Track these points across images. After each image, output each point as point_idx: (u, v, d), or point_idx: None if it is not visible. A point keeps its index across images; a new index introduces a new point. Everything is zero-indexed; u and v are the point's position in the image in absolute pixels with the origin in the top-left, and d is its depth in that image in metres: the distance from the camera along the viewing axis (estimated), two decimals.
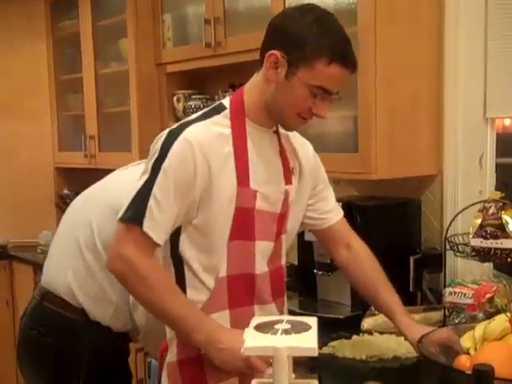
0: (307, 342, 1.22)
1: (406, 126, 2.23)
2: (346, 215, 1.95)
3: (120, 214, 1.51)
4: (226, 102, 1.62)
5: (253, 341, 1.25)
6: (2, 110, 4.03)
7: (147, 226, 1.48)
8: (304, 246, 2.35)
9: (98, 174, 3.69)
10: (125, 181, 1.83)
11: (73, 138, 3.83)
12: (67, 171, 4.00)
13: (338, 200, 1.92)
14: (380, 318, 2.05)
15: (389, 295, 1.78)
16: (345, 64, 1.54)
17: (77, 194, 3.82)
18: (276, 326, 1.28)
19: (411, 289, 2.25)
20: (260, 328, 1.30)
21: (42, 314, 2.12)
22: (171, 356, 1.61)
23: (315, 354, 1.21)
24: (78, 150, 3.72)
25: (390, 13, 2.16)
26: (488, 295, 1.86)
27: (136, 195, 1.51)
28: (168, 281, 1.57)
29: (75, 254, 2.07)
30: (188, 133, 1.51)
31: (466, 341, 1.58)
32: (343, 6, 2.27)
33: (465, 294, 1.93)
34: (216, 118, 1.57)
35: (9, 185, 4.07)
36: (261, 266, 1.63)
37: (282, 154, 1.69)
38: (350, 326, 2.08)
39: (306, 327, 1.29)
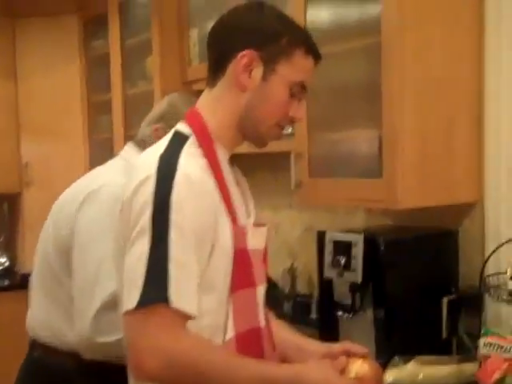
0: None
1: (439, 147, 1.95)
2: (369, 248, 1.71)
3: (131, 303, 1.15)
4: (184, 128, 1.35)
5: None
6: (37, 132, 3.95)
7: (177, 300, 1.15)
8: (324, 284, 2.10)
9: None
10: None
11: (102, 160, 3.68)
12: None
13: (360, 230, 1.67)
14: (406, 370, 1.79)
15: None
16: (317, 55, 1.37)
17: None
18: None
19: (444, 335, 1.96)
20: None
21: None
22: None
23: None
24: None
25: (418, 18, 1.90)
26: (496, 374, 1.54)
27: (147, 269, 1.16)
28: (221, 352, 1.27)
29: (51, 282, 1.85)
30: (183, 168, 1.22)
31: None
32: (366, 13, 2.03)
33: (502, 347, 1.63)
34: (187, 147, 1.29)
35: (42, 209, 3.96)
36: (262, 317, 1.39)
37: (237, 181, 1.45)
38: None
39: None
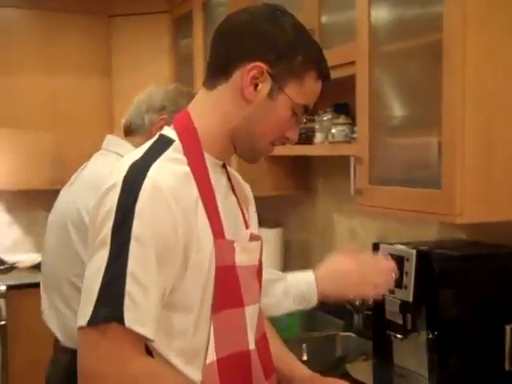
0: None
1: (506, 153, 1.74)
2: (423, 264, 1.62)
3: (84, 319, 1.06)
4: (169, 132, 1.25)
5: None
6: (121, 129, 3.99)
7: (131, 318, 1.05)
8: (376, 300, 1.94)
9: None
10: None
11: None
12: None
13: (416, 245, 1.63)
14: None
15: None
16: (327, 79, 1.25)
17: None
18: None
19: (507, 367, 1.74)
20: None
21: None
22: None
23: None
24: None
25: (485, 13, 1.70)
26: None
27: (102, 284, 1.06)
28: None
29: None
30: (153, 177, 1.11)
31: None
32: (427, 9, 1.84)
33: None
34: (168, 153, 1.19)
35: None
36: (252, 339, 1.27)
37: (235, 192, 1.34)
38: None
39: None
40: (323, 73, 1.24)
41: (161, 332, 1.14)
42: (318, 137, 2.63)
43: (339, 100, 2.54)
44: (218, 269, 1.18)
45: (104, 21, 4.03)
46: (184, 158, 1.19)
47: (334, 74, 2.33)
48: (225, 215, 1.23)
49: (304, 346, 2.46)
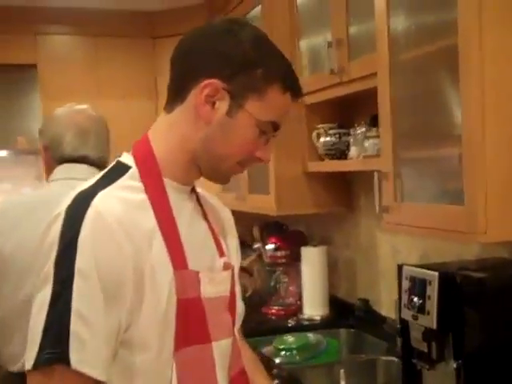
0: None
1: None
2: (447, 289, 1.55)
3: (29, 363, 1.01)
4: (127, 158, 1.19)
5: None
6: None
7: (78, 360, 1.00)
8: (402, 326, 1.81)
9: (244, 215, 3.47)
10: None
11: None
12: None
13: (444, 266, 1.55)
14: None
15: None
16: (296, 93, 1.16)
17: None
18: None
19: None
20: None
21: None
22: None
23: None
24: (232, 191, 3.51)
25: (500, 15, 1.55)
26: None
27: (46, 324, 1.01)
28: None
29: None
30: (97, 206, 1.05)
31: None
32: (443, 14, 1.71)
33: None
34: (121, 180, 1.13)
35: None
36: (223, 377, 1.19)
37: (206, 218, 1.26)
38: None
39: None
40: (289, 86, 1.15)
41: (119, 372, 1.08)
42: (353, 151, 2.52)
43: (376, 112, 2.43)
44: (179, 301, 1.11)
45: (148, 43, 4.05)
46: (140, 185, 1.13)
47: (363, 85, 2.27)
48: (190, 244, 1.16)
49: (342, 371, 2.34)
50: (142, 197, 1.12)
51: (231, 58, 1.12)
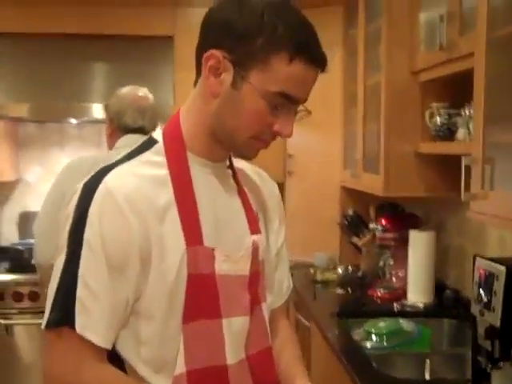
0: None
1: None
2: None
3: (43, 323, 1.10)
4: (157, 133, 1.20)
5: None
6: (302, 124, 3.95)
7: (82, 325, 1.06)
8: (472, 321, 1.69)
9: (358, 196, 3.40)
10: None
11: (352, 153, 3.55)
12: (351, 191, 3.70)
13: None
14: None
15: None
16: (310, 59, 1.09)
17: (358, 215, 3.62)
18: None
19: None
20: None
21: None
22: None
23: None
24: (350, 168, 3.45)
25: None
26: None
27: (57, 288, 1.09)
28: None
29: None
30: (108, 182, 1.10)
31: None
32: None
33: None
34: (144, 155, 1.15)
35: (300, 198, 4.01)
36: (234, 353, 1.18)
37: (242, 194, 1.24)
38: None
39: None
40: (299, 55, 1.09)
41: (128, 339, 1.13)
42: (460, 133, 2.38)
43: None
44: (190, 276, 1.12)
45: None
46: (163, 160, 1.15)
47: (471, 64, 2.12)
48: (212, 219, 1.16)
49: (427, 362, 2.25)
50: (163, 172, 1.14)
51: (233, 27, 1.09)
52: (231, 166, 1.27)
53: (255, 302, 1.23)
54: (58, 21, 3.92)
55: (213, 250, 1.14)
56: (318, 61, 1.12)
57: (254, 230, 1.25)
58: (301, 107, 1.16)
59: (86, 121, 4.16)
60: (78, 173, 2.06)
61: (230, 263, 1.17)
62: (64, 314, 1.07)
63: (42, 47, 3.99)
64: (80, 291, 1.06)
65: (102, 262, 1.07)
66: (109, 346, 1.10)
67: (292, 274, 1.47)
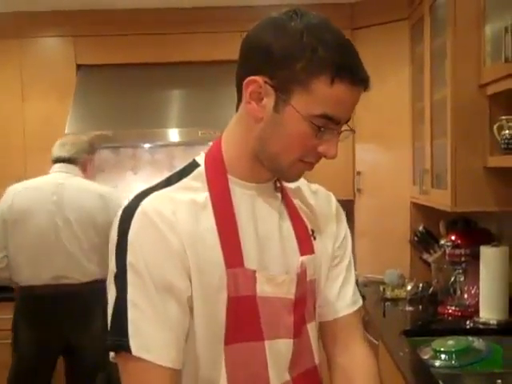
0: None
1: None
2: None
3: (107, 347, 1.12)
4: (200, 157, 1.22)
5: None
6: (370, 141, 3.96)
7: (137, 346, 1.06)
8: None
9: (428, 212, 3.34)
10: None
11: (420, 171, 3.50)
12: (422, 206, 3.65)
13: None
14: None
15: None
16: (352, 80, 1.08)
17: (429, 231, 3.56)
18: None
19: None
20: None
21: None
22: None
23: None
24: (419, 184, 3.40)
25: None
26: None
27: (113, 309, 1.10)
28: None
29: None
30: (145, 205, 1.11)
31: None
32: None
33: None
34: (184, 181, 1.17)
35: (370, 216, 3.98)
36: (278, 375, 1.18)
37: (293, 214, 1.23)
38: None
39: None
40: (340, 76, 1.07)
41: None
42: None
43: None
44: (230, 299, 1.13)
45: (349, 35, 4.03)
46: (203, 185, 1.17)
47: None
48: (255, 242, 1.17)
49: (499, 382, 2.19)
50: (203, 196, 1.15)
51: (272, 52, 1.09)
52: (281, 185, 1.27)
53: (300, 323, 1.23)
54: (134, 51, 4.08)
55: (254, 271, 1.14)
56: (359, 81, 1.11)
57: (305, 250, 1.24)
58: (345, 126, 1.16)
59: (159, 145, 4.29)
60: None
61: (272, 286, 1.16)
62: (119, 337, 1.08)
63: (119, 76, 4.15)
64: (131, 313, 1.07)
65: (149, 283, 1.08)
66: (172, 365, 1.10)
67: (360, 292, 1.43)
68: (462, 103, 2.76)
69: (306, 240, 1.26)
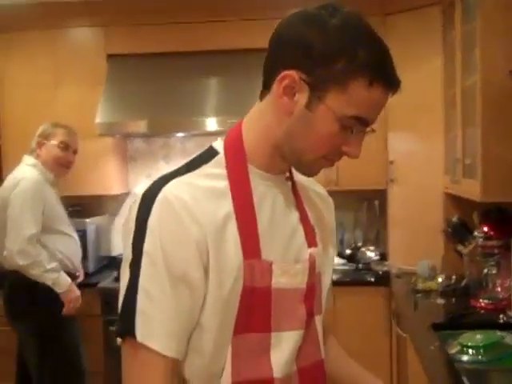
0: None
1: None
2: None
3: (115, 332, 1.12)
4: (218, 144, 1.19)
5: None
6: (403, 129, 3.88)
7: (143, 334, 1.06)
8: None
9: (462, 202, 3.25)
10: None
11: (452, 160, 3.41)
12: (456, 196, 3.56)
13: None
14: None
15: None
16: (388, 84, 1.07)
17: (463, 222, 3.48)
18: None
19: None
20: None
21: None
22: None
23: None
24: (451, 174, 3.31)
25: None
26: None
27: (124, 295, 1.09)
28: None
29: None
30: (166, 191, 1.08)
31: None
32: None
33: None
34: (204, 168, 1.14)
35: (402, 206, 3.91)
36: (282, 366, 1.16)
37: (300, 206, 1.22)
38: None
39: None
40: (378, 78, 1.05)
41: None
42: None
43: None
44: (245, 289, 1.10)
45: (379, 21, 3.94)
46: (223, 172, 1.15)
47: None
48: (271, 233, 1.15)
49: None
50: (223, 184, 1.13)
51: (312, 48, 1.06)
52: (291, 178, 1.26)
53: (310, 314, 1.21)
54: (162, 40, 4.07)
55: (270, 263, 1.13)
56: (394, 85, 1.09)
57: (311, 242, 1.23)
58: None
59: (191, 134, 4.27)
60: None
61: (287, 277, 1.15)
62: (127, 323, 1.07)
63: (148, 66, 4.15)
64: (141, 300, 1.06)
65: (163, 272, 1.06)
66: (175, 355, 1.09)
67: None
68: (492, 90, 2.67)
69: (311, 232, 1.25)
